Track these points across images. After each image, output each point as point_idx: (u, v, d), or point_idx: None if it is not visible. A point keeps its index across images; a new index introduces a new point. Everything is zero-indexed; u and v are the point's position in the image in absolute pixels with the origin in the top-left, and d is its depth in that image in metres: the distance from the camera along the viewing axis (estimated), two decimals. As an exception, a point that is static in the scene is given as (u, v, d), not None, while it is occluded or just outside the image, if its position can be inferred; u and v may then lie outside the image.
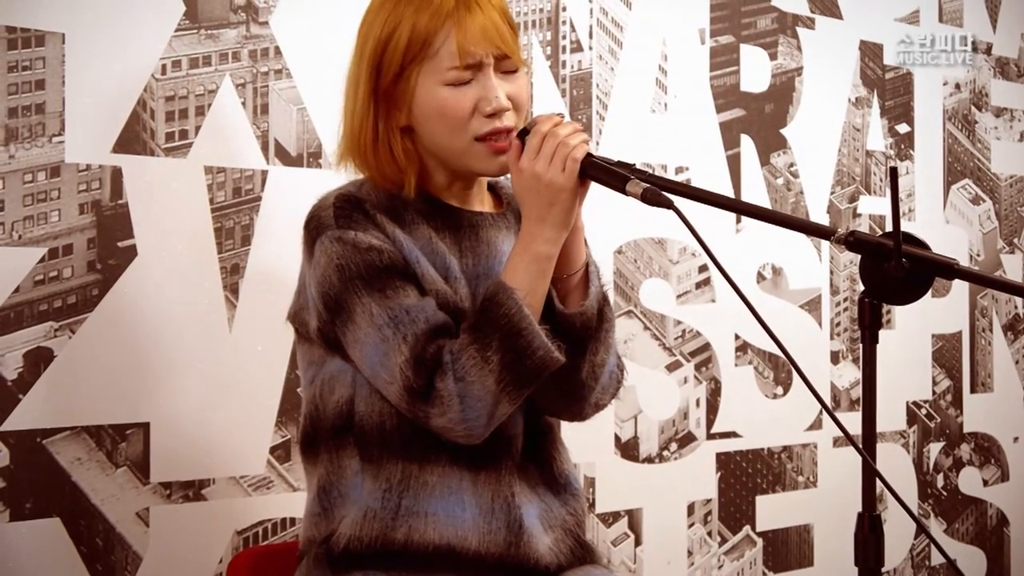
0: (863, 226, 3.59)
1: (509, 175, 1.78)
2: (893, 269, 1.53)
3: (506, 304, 1.67)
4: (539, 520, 1.83)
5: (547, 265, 1.73)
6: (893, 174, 1.48)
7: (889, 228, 1.53)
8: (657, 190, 1.65)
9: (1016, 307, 4.05)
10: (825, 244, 3.46)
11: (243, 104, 2.43)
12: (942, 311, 3.83)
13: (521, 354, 1.67)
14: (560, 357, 1.71)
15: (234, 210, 2.40)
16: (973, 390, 3.92)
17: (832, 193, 3.53)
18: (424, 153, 1.83)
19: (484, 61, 1.77)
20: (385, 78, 1.78)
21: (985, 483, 3.97)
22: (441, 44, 1.75)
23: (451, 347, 1.68)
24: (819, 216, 3.49)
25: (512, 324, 1.66)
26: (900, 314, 3.66)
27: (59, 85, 2.20)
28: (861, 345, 1.56)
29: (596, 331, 1.81)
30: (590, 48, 3.03)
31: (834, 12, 3.55)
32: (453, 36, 1.75)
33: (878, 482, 1.51)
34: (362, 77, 1.80)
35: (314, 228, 1.76)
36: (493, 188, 1.96)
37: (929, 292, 1.58)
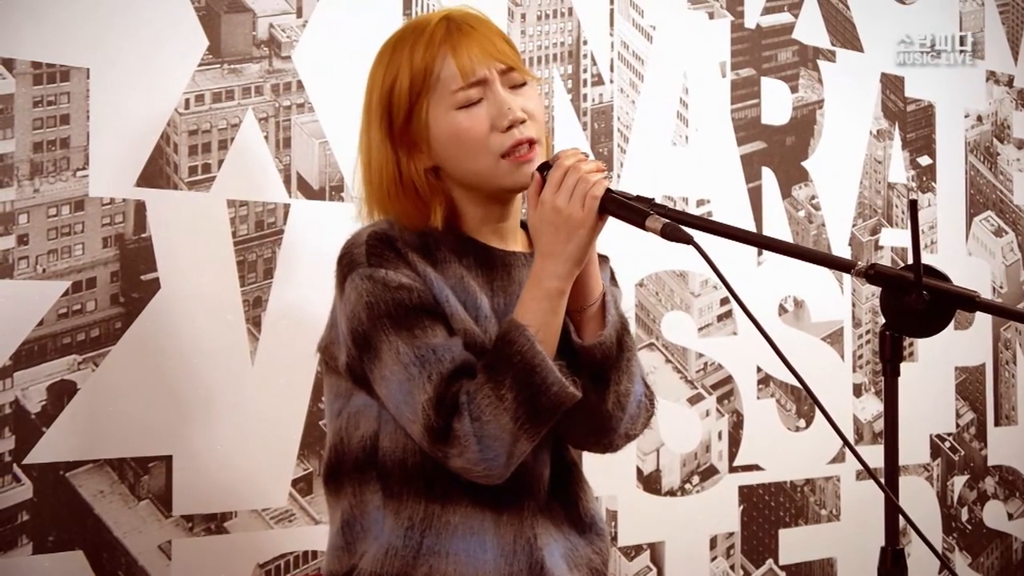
0: (885, 259, 3.58)
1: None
2: (914, 302, 1.52)
3: (518, 341, 1.66)
4: (564, 560, 1.81)
5: (558, 301, 1.72)
6: (912, 207, 1.47)
7: (911, 260, 1.53)
8: (676, 225, 1.64)
9: (1040, 339, 4.03)
10: (847, 276, 3.45)
11: (266, 138, 2.44)
12: (965, 343, 3.81)
13: (536, 391, 1.65)
14: (576, 392, 1.70)
15: (257, 243, 2.41)
16: (997, 423, 3.90)
17: (854, 225, 3.53)
18: (455, 188, 1.82)
19: (488, 76, 1.77)
20: (398, 120, 1.79)
21: (1010, 516, 3.94)
22: (441, 69, 1.76)
23: (467, 387, 1.67)
24: (841, 249, 3.48)
25: (525, 361, 1.65)
26: (923, 347, 3.65)
27: (84, 120, 2.22)
28: (883, 378, 1.55)
29: (617, 360, 1.79)
30: (611, 81, 3.04)
31: (855, 45, 3.56)
32: (450, 58, 1.76)
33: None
34: (373, 126, 1.81)
35: (346, 265, 1.76)
36: (526, 226, 1.94)
37: (952, 324, 1.58)
